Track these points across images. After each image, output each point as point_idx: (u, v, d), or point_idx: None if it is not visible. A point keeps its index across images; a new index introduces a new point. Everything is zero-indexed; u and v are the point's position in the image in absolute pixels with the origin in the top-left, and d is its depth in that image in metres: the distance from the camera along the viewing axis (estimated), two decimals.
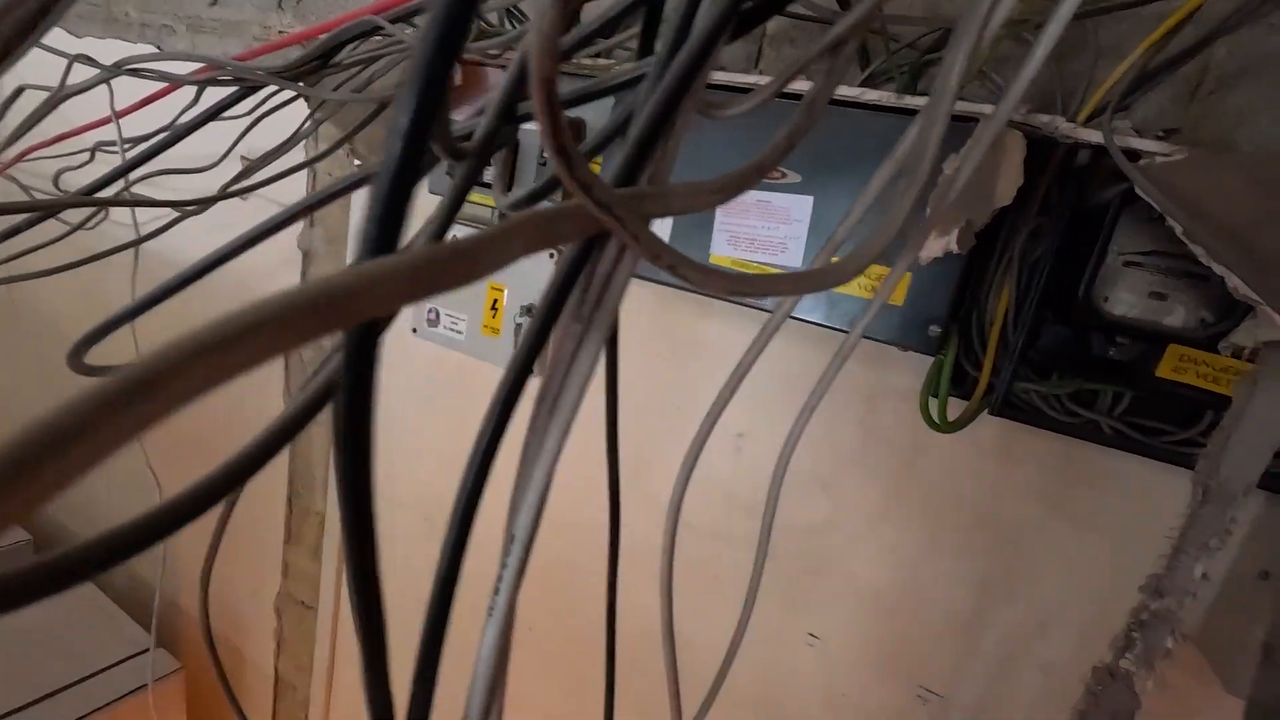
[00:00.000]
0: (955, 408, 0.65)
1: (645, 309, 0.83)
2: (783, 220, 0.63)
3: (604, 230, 0.13)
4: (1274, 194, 0.45)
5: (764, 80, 0.65)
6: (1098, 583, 0.66)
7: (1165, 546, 0.55)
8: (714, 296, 0.71)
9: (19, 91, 0.71)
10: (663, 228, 0.68)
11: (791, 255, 0.63)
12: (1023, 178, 0.52)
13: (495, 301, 0.85)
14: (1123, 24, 0.58)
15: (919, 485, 0.72)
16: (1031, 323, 0.60)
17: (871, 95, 0.57)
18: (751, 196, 0.63)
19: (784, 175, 0.62)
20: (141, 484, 1.10)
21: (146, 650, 1.29)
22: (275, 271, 1.11)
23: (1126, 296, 0.54)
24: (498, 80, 0.82)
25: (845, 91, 0.58)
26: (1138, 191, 0.49)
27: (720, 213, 0.65)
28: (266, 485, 1.18)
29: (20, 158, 0.83)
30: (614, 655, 0.44)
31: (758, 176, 0.17)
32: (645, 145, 0.14)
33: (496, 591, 0.16)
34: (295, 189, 0.97)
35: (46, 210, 0.49)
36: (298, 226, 1.10)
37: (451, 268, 0.10)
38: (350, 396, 0.12)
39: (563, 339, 0.14)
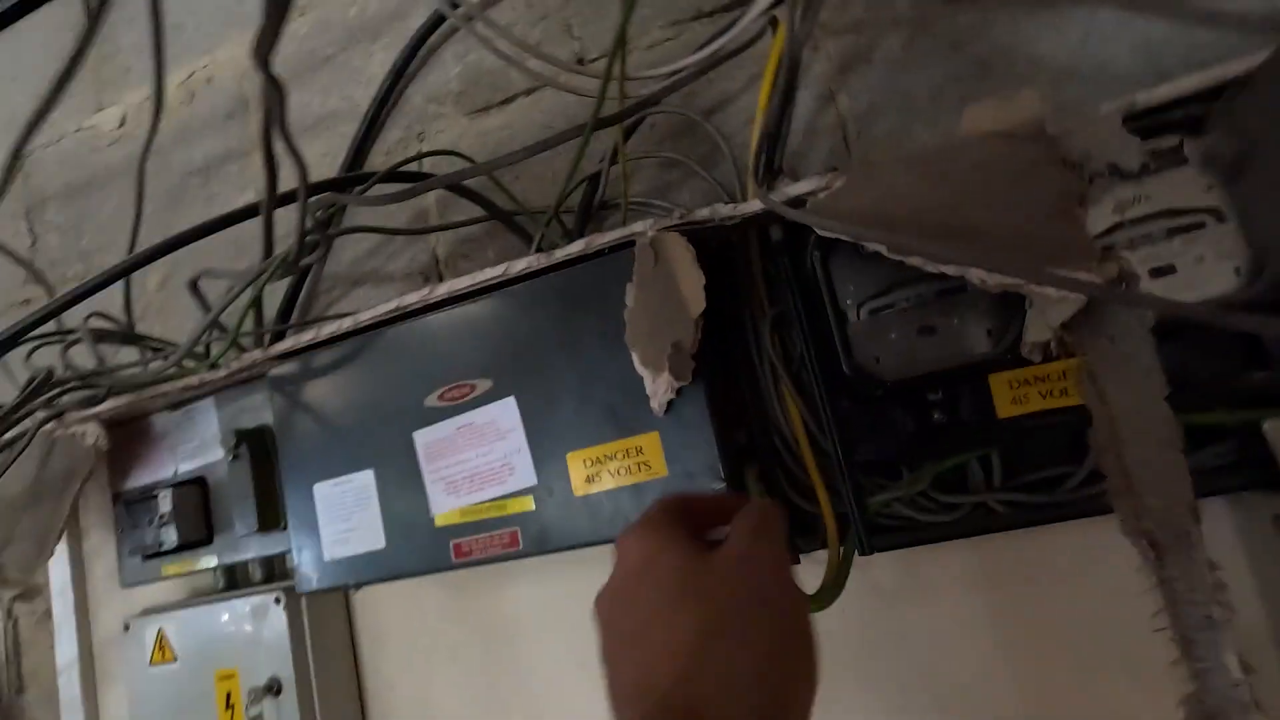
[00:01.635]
0: (818, 567, 0.47)
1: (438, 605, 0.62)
2: (496, 437, 0.48)
3: None
4: (947, 181, 0.37)
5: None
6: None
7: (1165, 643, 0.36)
8: None
9: None
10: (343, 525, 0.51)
11: (522, 474, 0.48)
12: (702, 275, 0.42)
13: (229, 694, 0.61)
14: (738, 116, 0.57)
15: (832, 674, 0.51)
16: (836, 420, 0.47)
17: (519, 265, 0.48)
18: (450, 426, 0.50)
19: (472, 388, 0.49)
20: None
21: None
22: None
23: (895, 346, 0.42)
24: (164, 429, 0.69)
25: (491, 273, 0.49)
26: (819, 233, 0.40)
27: (424, 461, 0.50)
28: None
29: None
30: None
31: None
32: None
33: None
34: None
35: None
36: None
37: None
38: None
39: None
